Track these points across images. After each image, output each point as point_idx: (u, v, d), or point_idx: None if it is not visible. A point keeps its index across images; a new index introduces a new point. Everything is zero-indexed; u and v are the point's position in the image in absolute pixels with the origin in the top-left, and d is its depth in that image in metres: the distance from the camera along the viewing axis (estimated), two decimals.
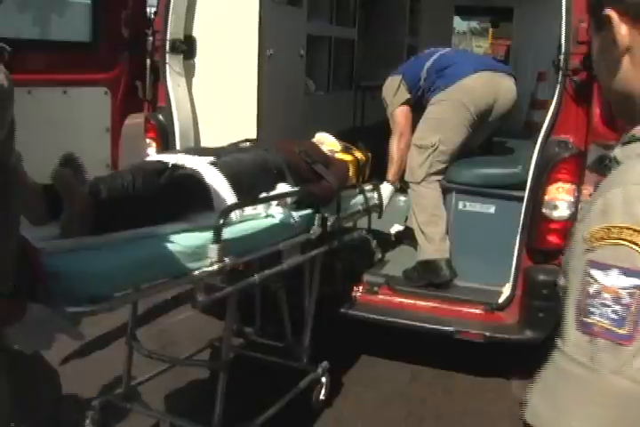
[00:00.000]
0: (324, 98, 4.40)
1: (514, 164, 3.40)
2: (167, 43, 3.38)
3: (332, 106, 4.62)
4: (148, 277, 1.99)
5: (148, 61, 3.40)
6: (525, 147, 4.16)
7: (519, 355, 3.00)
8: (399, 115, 3.80)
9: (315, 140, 3.45)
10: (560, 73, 2.86)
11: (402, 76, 3.80)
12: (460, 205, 3.41)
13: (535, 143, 2.99)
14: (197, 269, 2.09)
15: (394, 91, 3.81)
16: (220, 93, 3.55)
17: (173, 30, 3.41)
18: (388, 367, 3.44)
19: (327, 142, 3.44)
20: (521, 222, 3.08)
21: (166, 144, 3.41)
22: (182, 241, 2.07)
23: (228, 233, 2.19)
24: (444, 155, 3.50)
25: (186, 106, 3.50)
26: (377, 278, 3.43)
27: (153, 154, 3.31)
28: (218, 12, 3.54)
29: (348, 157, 3.38)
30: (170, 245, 2.03)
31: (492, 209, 3.37)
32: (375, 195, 3.38)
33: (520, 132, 4.58)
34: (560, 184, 2.95)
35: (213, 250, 2.12)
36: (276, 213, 2.55)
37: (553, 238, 3.02)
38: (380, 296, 3.38)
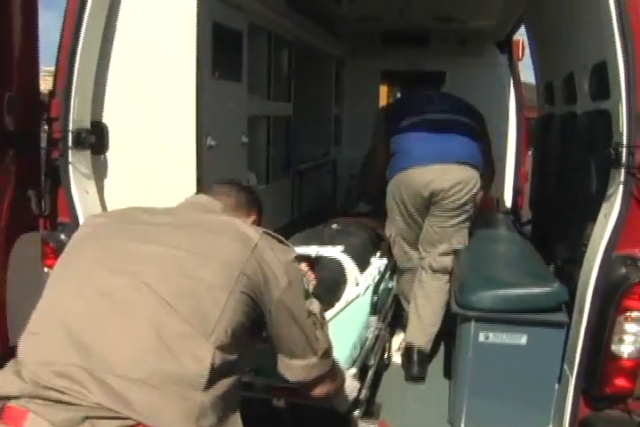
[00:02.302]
0: (264, 192, 3.52)
1: (543, 280, 2.75)
2: (69, 134, 2.46)
3: (271, 200, 3.75)
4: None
5: (44, 161, 2.46)
6: (514, 241, 3.57)
7: None
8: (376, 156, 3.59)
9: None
10: (622, 170, 2.22)
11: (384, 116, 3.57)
12: (482, 337, 2.63)
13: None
14: (367, 337, 2.64)
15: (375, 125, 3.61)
16: (144, 201, 2.60)
17: (77, 117, 2.47)
18: None
19: None
20: (577, 361, 2.36)
21: None
22: (359, 318, 2.66)
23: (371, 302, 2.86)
24: (402, 247, 3.57)
25: None
26: None
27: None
28: (138, 89, 2.62)
29: None
30: (358, 324, 2.55)
31: (522, 339, 2.62)
32: None
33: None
34: (630, 314, 2.29)
35: (374, 320, 2.79)
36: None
37: (621, 382, 2.36)
38: None
